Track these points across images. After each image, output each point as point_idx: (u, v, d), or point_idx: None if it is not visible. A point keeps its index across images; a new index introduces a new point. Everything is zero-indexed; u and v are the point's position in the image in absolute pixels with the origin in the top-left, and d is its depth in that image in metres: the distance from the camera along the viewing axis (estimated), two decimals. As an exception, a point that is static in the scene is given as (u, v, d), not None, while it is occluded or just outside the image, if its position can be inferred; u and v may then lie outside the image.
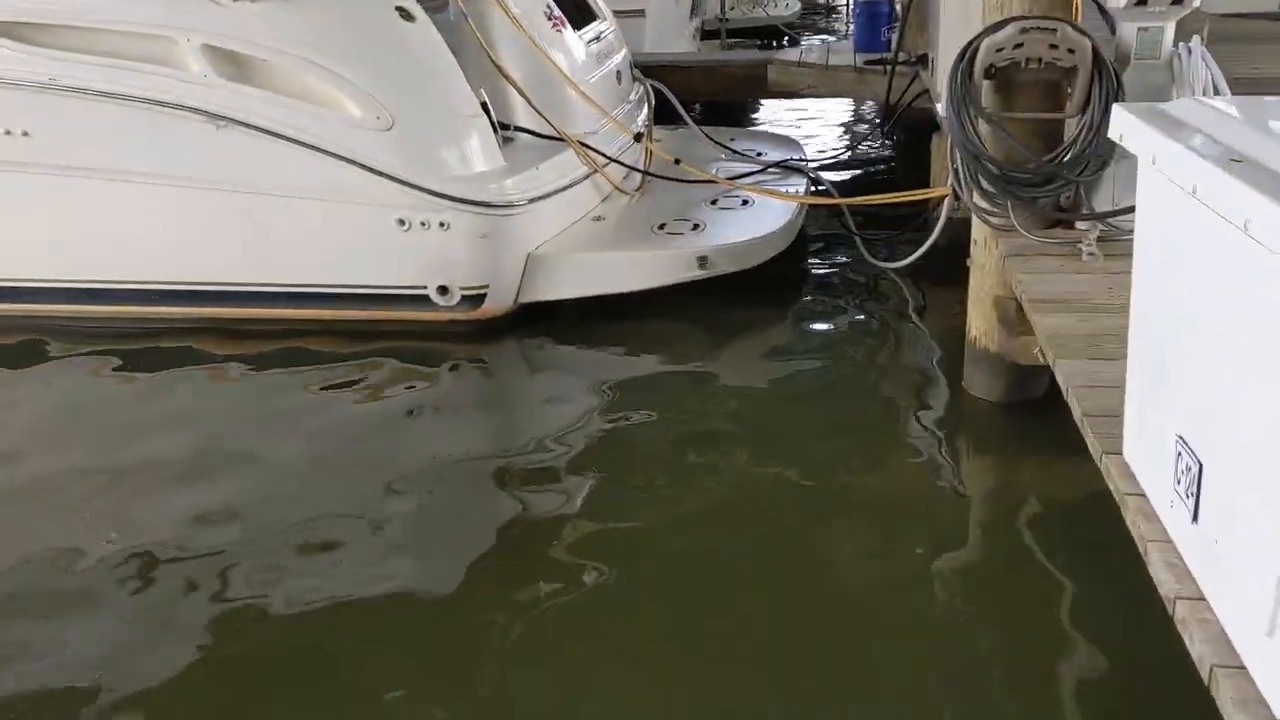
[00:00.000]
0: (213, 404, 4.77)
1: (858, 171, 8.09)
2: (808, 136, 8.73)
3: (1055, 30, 3.88)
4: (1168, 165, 2.04)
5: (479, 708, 2.92)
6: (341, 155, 4.90)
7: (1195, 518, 1.97)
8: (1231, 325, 1.81)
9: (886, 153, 8.40)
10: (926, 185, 6.36)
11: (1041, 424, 4.14)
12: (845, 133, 9.38)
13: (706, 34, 11.29)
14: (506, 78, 5.42)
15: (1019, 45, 3.92)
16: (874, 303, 5.57)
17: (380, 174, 4.90)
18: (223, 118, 4.94)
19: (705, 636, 3.13)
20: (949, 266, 5.27)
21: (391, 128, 4.89)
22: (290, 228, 5.08)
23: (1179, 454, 2.04)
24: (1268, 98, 2.33)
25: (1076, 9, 4.21)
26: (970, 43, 3.98)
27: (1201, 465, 1.94)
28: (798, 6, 13.17)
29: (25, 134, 5.12)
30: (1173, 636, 2.03)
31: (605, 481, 3.98)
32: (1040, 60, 3.96)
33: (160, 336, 5.26)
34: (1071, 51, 3.89)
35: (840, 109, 9.78)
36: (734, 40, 11.11)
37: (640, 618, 3.22)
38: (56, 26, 5.02)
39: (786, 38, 11.72)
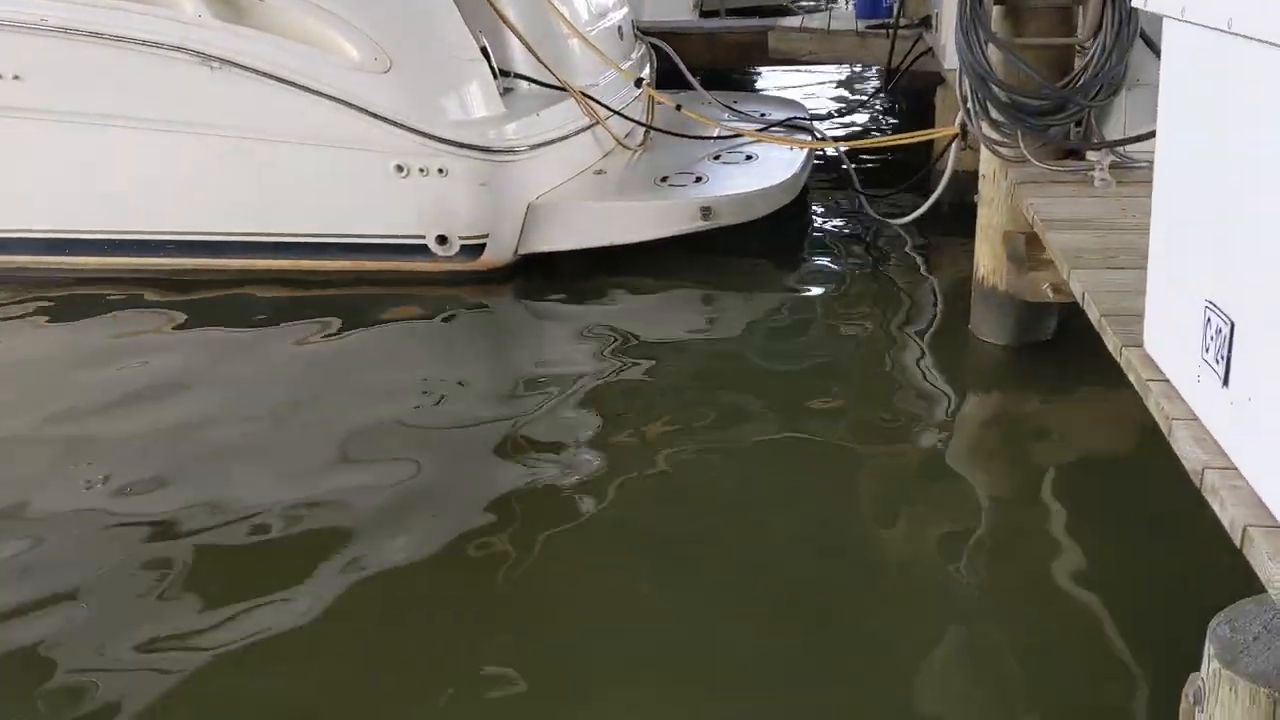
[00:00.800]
0: (211, 351, 4.65)
1: (860, 131, 7.99)
2: (810, 99, 8.65)
3: (1067, -49, 3.79)
4: (1198, 9, 1.95)
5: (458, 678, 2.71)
6: (338, 98, 4.81)
7: (1226, 381, 1.88)
8: (1266, 162, 1.72)
9: (890, 116, 8.32)
10: (929, 147, 6.29)
11: (1051, 364, 4.06)
12: (847, 96, 9.29)
13: (706, 12, 11.18)
14: (507, 23, 5.33)
15: (1030, -33, 3.84)
16: (879, 256, 5.48)
17: (377, 117, 4.81)
18: (217, 59, 4.84)
19: (713, 589, 2.95)
20: (954, 220, 5.21)
21: (389, 70, 4.80)
22: (286, 175, 4.99)
23: (1208, 320, 1.94)
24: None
25: None
26: (979, -34, 3.88)
27: (1233, 324, 1.85)
28: None
29: (16, 78, 5.02)
30: (1190, 551, 1.93)
31: (605, 437, 3.79)
32: (1051, -16, 3.88)
33: (154, 286, 5.16)
34: (1084, -25, 3.80)
35: (842, 75, 9.68)
36: (733, 18, 10.98)
37: (636, 582, 3.01)
38: (47, -33, 4.93)
39: (788, 12, 11.59)
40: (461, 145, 4.85)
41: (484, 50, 5.06)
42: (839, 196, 6.27)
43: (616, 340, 4.58)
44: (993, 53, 3.90)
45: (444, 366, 4.52)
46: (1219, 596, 1.76)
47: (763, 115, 6.78)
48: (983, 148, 4.12)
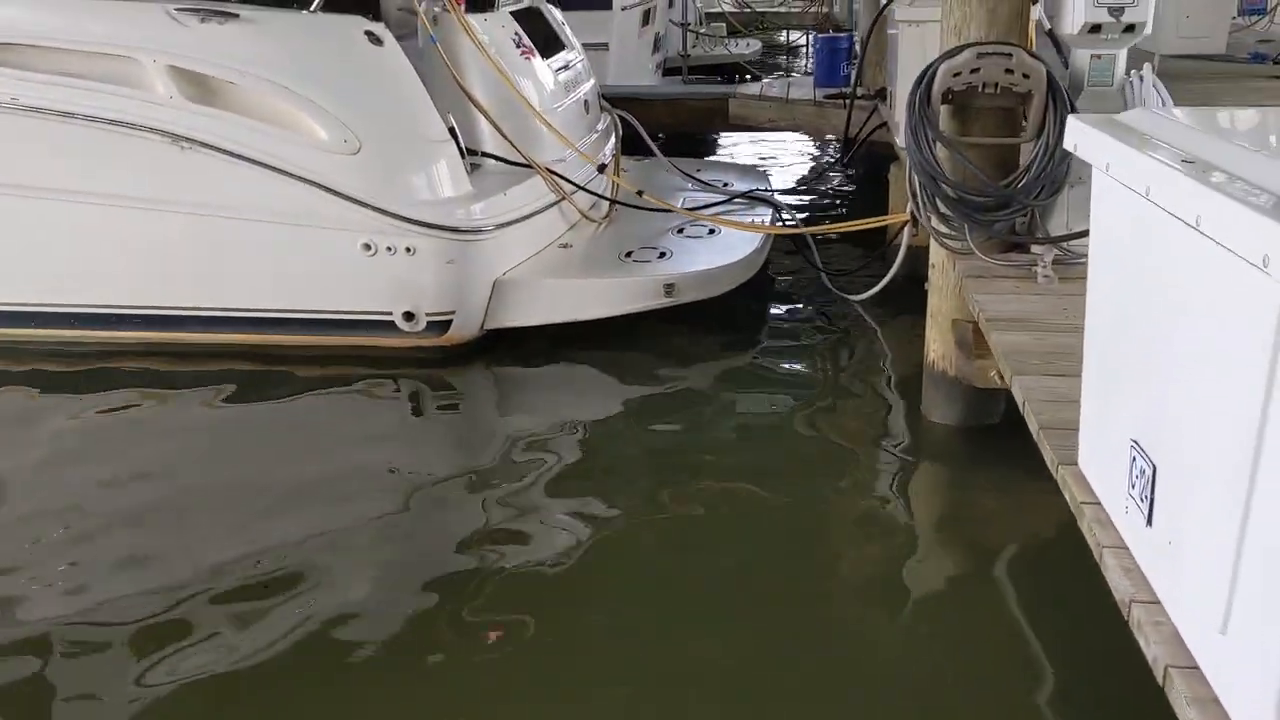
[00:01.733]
0: (172, 429, 4.70)
1: (819, 201, 8.20)
2: (768, 163, 8.86)
3: (1010, 56, 3.97)
4: (1121, 169, 2.10)
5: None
6: (307, 178, 4.90)
7: (1150, 521, 2.01)
8: (1182, 325, 1.86)
9: (847, 184, 8.52)
10: (886, 210, 6.49)
11: (999, 448, 4.20)
12: (806, 164, 9.51)
13: (668, 70, 11.44)
14: (475, 104, 5.46)
15: (975, 70, 4.01)
16: (835, 332, 5.62)
17: (346, 198, 4.90)
18: (187, 139, 4.93)
19: (663, 659, 3.12)
20: (908, 296, 5.37)
21: (358, 151, 4.90)
22: (255, 251, 5.07)
23: (1134, 458, 2.08)
24: (1216, 109, 2.41)
25: (1030, 39, 4.32)
26: (928, 67, 4.06)
27: (1155, 468, 1.99)
28: (759, 45, 13.37)
29: (-14, 154, 5.08)
30: (1127, 644, 2.06)
31: (569, 508, 3.95)
32: (996, 86, 4.05)
33: (117, 359, 5.22)
34: (1026, 77, 3.98)
35: (800, 141, 9.91)
36: (695, 77, 11.24)
37: (595, 647, 3.19)
38: (19, 46, 4.99)
39: (748, 75, 11.87)
40: (429, 225, 4.96)
41: (452, 130, 5.18)
42: (800, 269, 6.42)
43: (578, 415, 4.72)
44: (940, 150, 4.07)
45: (408, 444, 4.62)
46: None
47: (725, 185, 6.94)
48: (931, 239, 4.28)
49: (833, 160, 8.83)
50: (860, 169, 8.23)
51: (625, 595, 3.46)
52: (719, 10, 14.82)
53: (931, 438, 4.40)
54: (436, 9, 5.46)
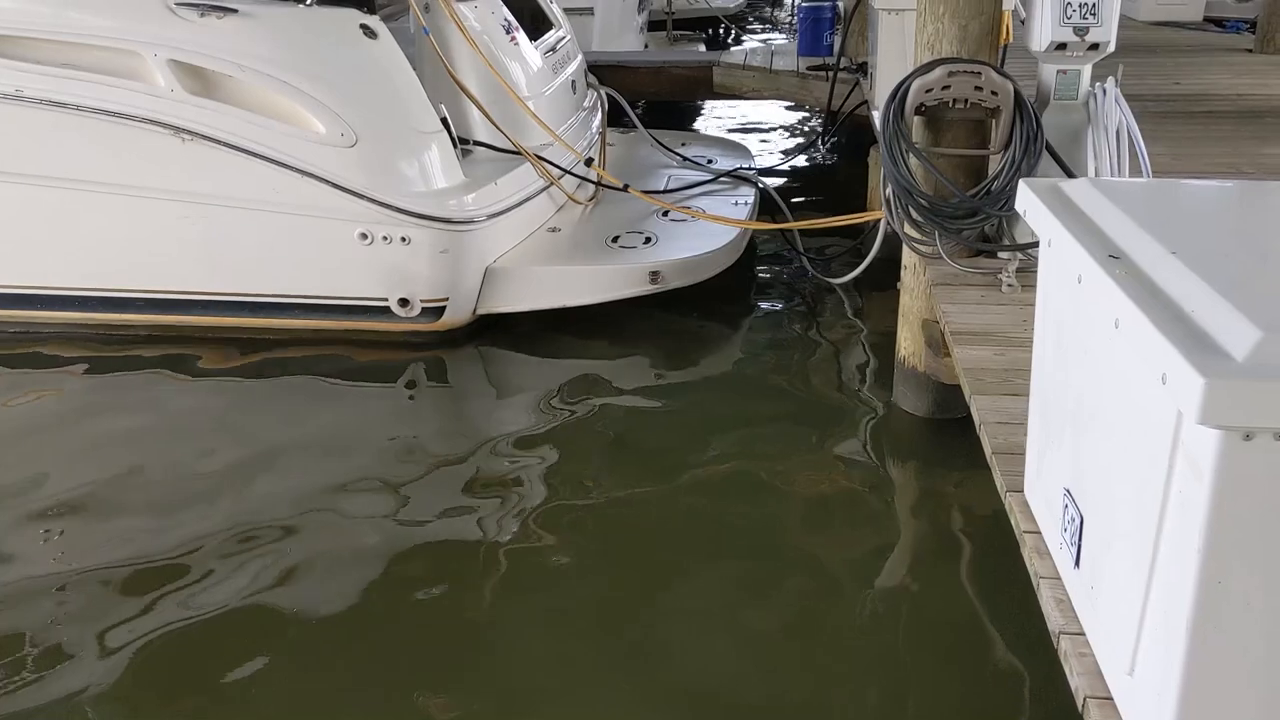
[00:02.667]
0: (175, 409, 4.96)
1: (802, 176, 8.39)
2: (751, 133, 9.01)
3: (980, 74, 4.17)
4: (1059, 251, 2.34)
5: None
6: (306, 171, 5.08)
7: (1077, 563, 2.29)
8: (1105, 401, 2.11)
9: (831, 158, 8.70)
10: (866, 191, 6.73)
11: (964, 439, 4.47)
12: (789, 135, 9.66)
13: (652, 25, 11.53)
14: (466, 93, 5.62)
15: (947, 87, 4.21)
16: (816, 314, 5.88)
17: (344, 190, 5.09)
18: (188, 131, 5.09)
19: (636, 634, 3.46)
20: (885, 277, 5.61)
21: (355, 144, 5.08)
22: (254, 239, 5.26)
23: (1065, 506, 2.35)
24: (1159, 182, 2.64)
25: (1008, 30, 4.48)
26: (902, 83, 4.25)
27: (1083, 518, 2.26)
28: None
29: (-10, 143, 5.23)
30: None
31: (553, 482, 4.30)
32: (966, 101, 4.26)
33: (122, 344, 5.45)
34: (995, 94, 4.19)
35: (784, 111, 10.05)
36: (680, 33, 11.33)
37: (567, 622, 3.52)
38: (24, 39, 5.12)
39: (731, 31, 11.97)
40: (424, 216, 5.15)
41: (444, 121, 5.35)
42: (781, 249, 6.64)
43: (563, 398, 4.99)
44: (913, 160, 4.28)
45: (402, 423, 4.90)
46: None
47: (709, 161, 7.12)
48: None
49: (816, 133, 8.99)
50: (843, 139, 8.41)
51: (598, 572, 3.78)
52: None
53: (902, 427, 4.68)
54: (427, -2, 5.60)
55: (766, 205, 6.67)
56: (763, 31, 13.85)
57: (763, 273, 6.46)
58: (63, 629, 3.50)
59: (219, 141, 5.08)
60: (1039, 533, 2.63)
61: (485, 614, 3.56)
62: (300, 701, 3.21)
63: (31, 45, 5.14)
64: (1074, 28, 4.16)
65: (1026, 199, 2.60)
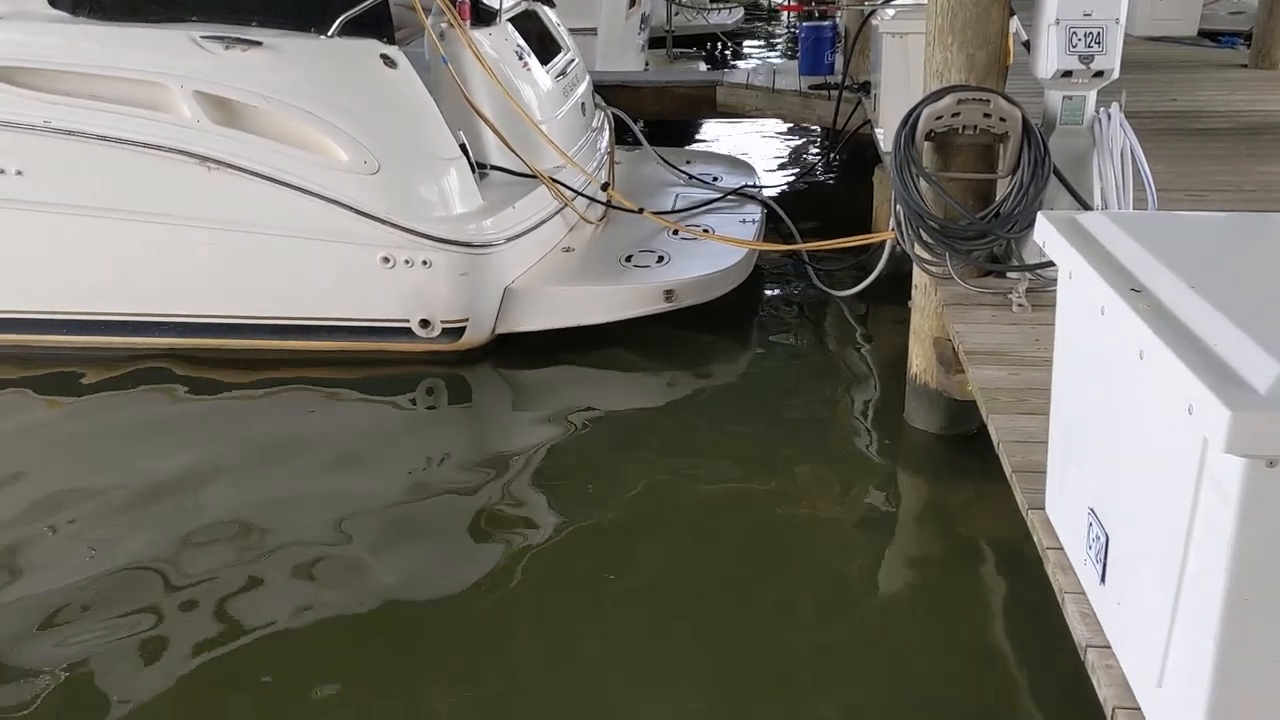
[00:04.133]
0: (200, 429, 5.07)
1: (808, 193, 8.54)
2: (755, 151, 9.16)
3: (989, 101, 4.31)
4: (1080, 283, 2.47)
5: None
6: (329, 197, 5.21)
7: (1103, 580, 2.42)
8: (1130, 427, 2.24)
9: (833, 175, 8.85)
10: (870, 209, 6.86)
11: (977, 455, 4.60)
12: (793, 153, 9.82)
13: (652, 43, 11.70)
14: (483, 119, 5.74)
15: (956, 114, 4.35)
16: (824, 329, 6.02)
17: (367, 215, 5.22)
18: (213, 160, 5.21)
19: (649, 649, 3.56)
20: (892, 292, 5.76)
21: (378, 171, 5.20)
22: (278, 264, 5.38)
23: (1090, 524, 2.48)
24: (1171, 215, 2.77)
25: (1009, 51, 4.58)
26: (912, 110, 4.39)
27: (1108, 537, 2.38)
28: (740, 14, 13.59)
29: (19, 173, 5.34)
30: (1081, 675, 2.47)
31: (565, 500, 4.43)
32: (975, 127, 4.40)
33: (148, 363, 5.55)
34: (1003, 120, 4.33)
35: (786, 129, 10.20)
36: (679, 50, 11.50)
37: (581, 633, 3.64)
38: (54, 71, 5.25)
39: (729, 48, 12.16)
40: (444, 241, 5.28)
41: (463, 147, 5.48)
42: (789, 262, 6.77)
43: (578, 415, 5.14)
44: (924, 184, 4.42)
45: (423, 439, 5.03)
46: None
47: (715, 179, 7.27)
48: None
49: (819, 153, 9.14)
50: (846, 156, 8.56)
51: (610, 584, 3.89)
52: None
53: (914, 443, 4.81)
54: (443, 25, 5.72)
55: (773, 220, 6.82)
56: (760, 48, 14.04)
57: (770, 287, 6.60)
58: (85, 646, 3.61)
59: (244, 170, 5.21)
60: (1062, 549, 2.75)
61: (497, 633, 3.64)
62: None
63: (60, 77, 5.26)
64: (1079, 56, 4.30)
65: (1046, 232, 2.72)
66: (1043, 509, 2.92)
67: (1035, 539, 2.89)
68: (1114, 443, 2.36)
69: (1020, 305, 4.30)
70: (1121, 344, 2.23)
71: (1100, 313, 2.33)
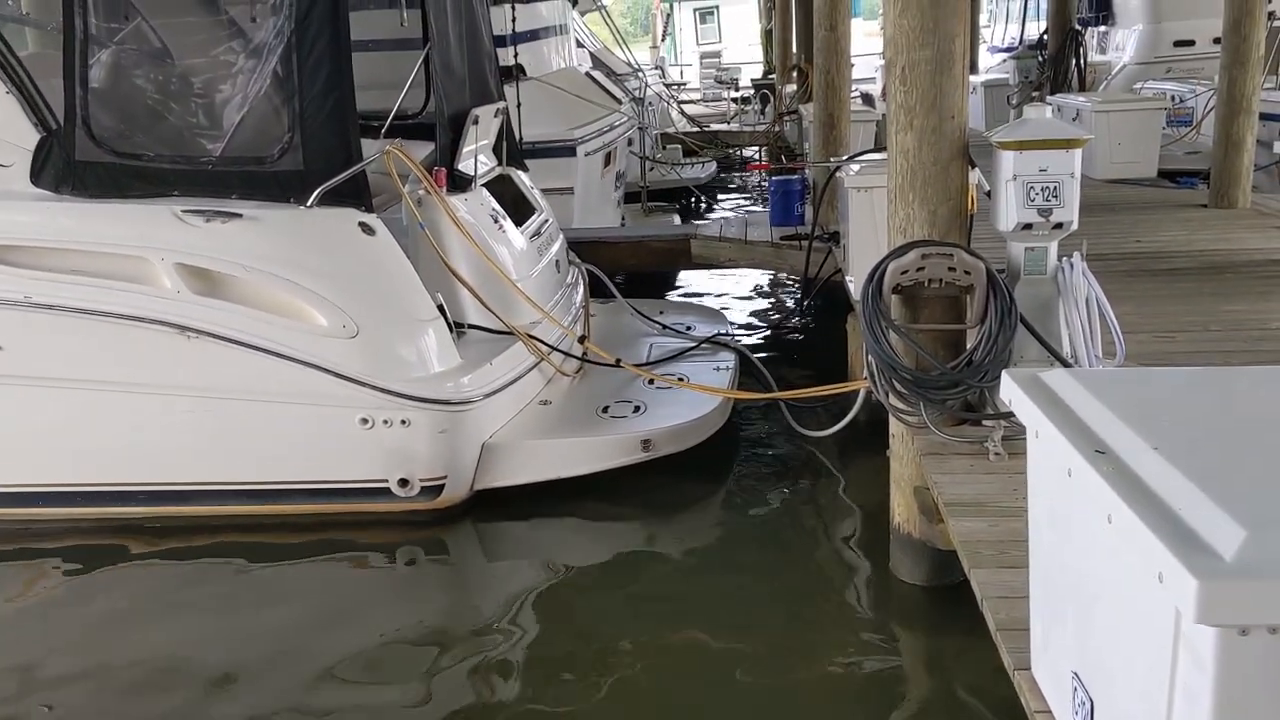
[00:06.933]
0: (173, 599, 5.00)
1: (781, 339, 8.65)
2: (729, 299, 9.31)
3: (952, 255, 4.41)
4: (1047, 443, 2.49)
5: None
6: (309, 362, 5.24)
7: (1090, 745, 2.37)
8: (1105, 589, 2.23)
9: (809, 320, 8.99)
10: (847, 355, 6.94)
11: (962, 607, 4.54)
12: (766, 302, 10.00)
13: (628, 198, 12.02)
14: (460, 280, 5.84)
15: (921, 268, 4.45)
16: (802, 475, 6.01)
17: (346, 378, 5.25)
18: (193, 330, 5.26)
19: None
20: (870, 439, 5.78)
21: (356, 335, 5.26)
22: (257, 429, 5.38)
23: (1074, 689, 2.44)
24: (1135, 371, 2.82)
25: (973, 200, 4.70)
26: (878, 266, 4.49)
27: (1093, 703, 2.35)
28: (713, 168, 14.01)
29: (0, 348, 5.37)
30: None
31: (550, 654, 4.40)
32: (941, 280, 4.49)
33: (123, 534, 5.48)
34: (968, 273, 4.42)
35: (763, 275, 10.41)
36: (654, 204, 11.82)
37: None
38: (35, 248, 5.33)
39: (702, 201, 12.57)
40: (423, 400, 5.31)
41: (440, 308, 5.56)
42: (766, 406, 6.81)
43: (558, 570, 5.14)
44: (894, 336, 4.49)
45: (402, 605, 4.94)
46: None
47: (688, 328, 7.37)
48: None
49: (792, 301, 9.31)
50: (820, 303, 8.70)
51: None
52: (675, 132, 15.48)
53: (900, 595, 4.75)
54: (420, 192, 5.87)
55: (749, 368, 6.89)
56: (733, 195, 14.42)
57: (747, 430, 6.61)
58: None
59: (224, 338, 5.25)
60: (1049, 711, 2.70)
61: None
62: None
63: (42, 254, 5.34)
64: (1038, 209, 4.43)
65: (1011, 391, 2.76)
66: (1028, 669, 2.88)
67: (1023, 701, 2.84)
68: (1092, 604, 2.34)
69: (997, 454, 4.32)
70: (1090, 506, 2.24)
71: (1068, 474, 2.35)
